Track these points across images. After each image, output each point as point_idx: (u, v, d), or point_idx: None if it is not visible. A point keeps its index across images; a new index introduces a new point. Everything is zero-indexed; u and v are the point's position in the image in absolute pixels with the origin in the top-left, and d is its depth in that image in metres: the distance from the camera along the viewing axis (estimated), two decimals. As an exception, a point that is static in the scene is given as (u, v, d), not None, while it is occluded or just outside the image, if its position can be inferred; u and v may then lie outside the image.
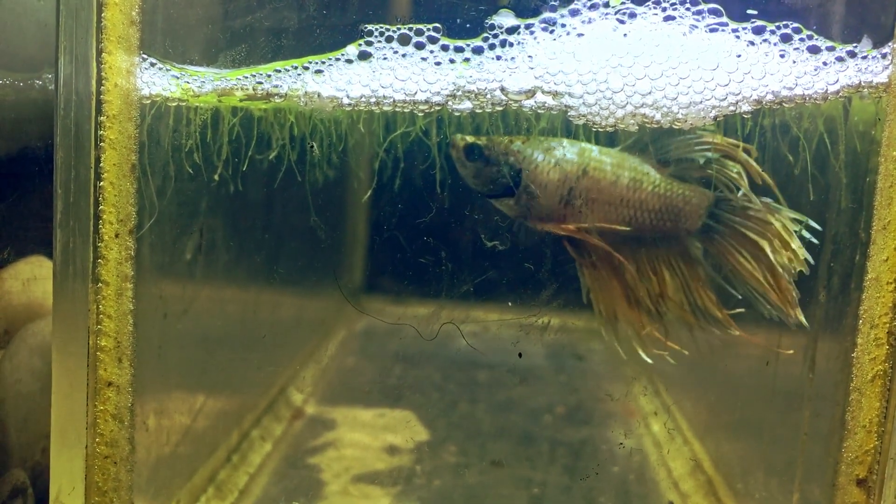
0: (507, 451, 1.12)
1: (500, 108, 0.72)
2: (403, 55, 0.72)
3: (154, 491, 0.85)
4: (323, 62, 0.72)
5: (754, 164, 0.76)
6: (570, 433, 1.17)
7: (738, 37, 0.70)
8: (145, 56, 0.72)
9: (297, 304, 1.25)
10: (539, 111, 0.72)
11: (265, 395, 1.20)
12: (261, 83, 0.73)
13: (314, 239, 0.94)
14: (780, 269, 0.77)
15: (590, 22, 0.70)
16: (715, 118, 0.69)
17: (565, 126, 0.82)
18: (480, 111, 0.73)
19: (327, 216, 0.98)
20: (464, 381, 1.29)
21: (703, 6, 0.70)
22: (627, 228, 0.77)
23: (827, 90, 0.69)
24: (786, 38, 0.70)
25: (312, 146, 0.81)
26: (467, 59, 0.71)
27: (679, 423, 1.12)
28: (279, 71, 0.73)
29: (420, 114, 0.74)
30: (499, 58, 0.71)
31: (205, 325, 1.00)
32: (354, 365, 1.38)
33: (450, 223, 0.84)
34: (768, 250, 0.76)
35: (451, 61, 0.71)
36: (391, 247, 0.92)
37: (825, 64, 0.69)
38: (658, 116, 0.69)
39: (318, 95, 0.72)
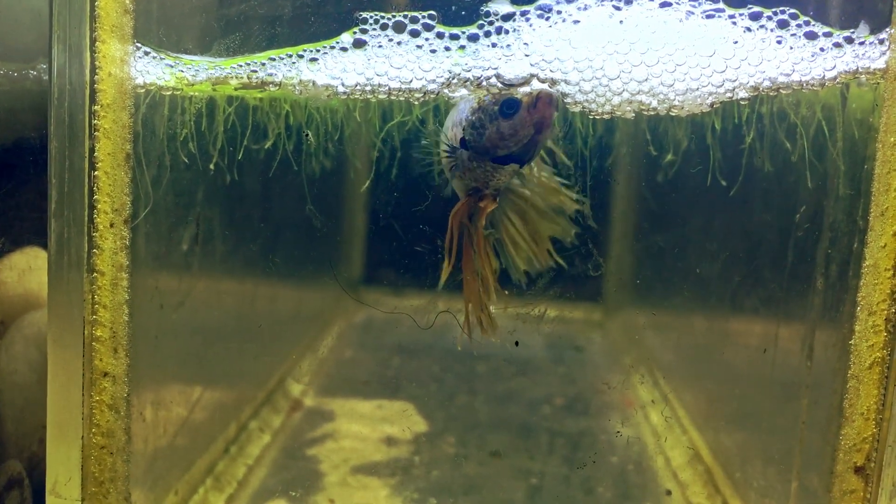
0: (506, 442, 1.12)
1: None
2: (398, 43, 0.71)
3: (152, 482, 0.85)
4: (318, 50, 0.72)
5: None
6: (569, 424, 1.17)
7: (734, 23, 0.69)
8: (139, 45, 0.71)
9: (296, 295, 1.25)
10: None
11: (263, 386, 1.19)
12: (255, 71, 0.72)
13: (313, 230, 0.94)
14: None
15: (585, 8, 0.70)
16: (712, 105, 0.69)
17: (561, 113, 0.82)
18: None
19: (326, 207, 0.97)
20: (462, 373, 1.29)
21: (699, -8, 0.69)
22: None
23: (824, 76, 0.69)
24: (783, 24, 0.69)
25: (307, 134, 0.81)
26: (462, 47, 0.71)
27: (677, 412, 1.12)
28: (274, 59, 0.72)
29: (416, 102, 0.74)
30: (494, 45, 0.70)
31: (202, 317, 1.00)
32: (353, 356, 1.38)
33: (447, 212, 0.83)
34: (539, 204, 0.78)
35: (447, 49, 0.71)
36: (389, 237, 0.92)
37: (822, 50, 0.69)
38: (654, 104, 0.69)
39: (313, 84, 0.72)
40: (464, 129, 0.72)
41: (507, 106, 0.70)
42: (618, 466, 1.06)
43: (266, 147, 0.85)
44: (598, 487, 1.01)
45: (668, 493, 1.00)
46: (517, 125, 0.70)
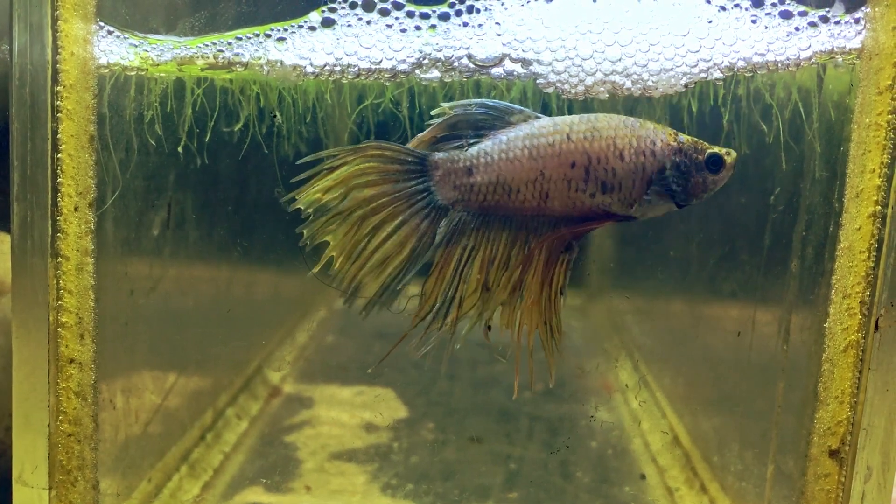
0: (486, 428, 1.12)
1: (469, 77, 0.70)
2: (368, 22, 0.70)
3: (123, 470, 0.84)
4: (285, 29, 0.71)
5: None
6: (549, 409, 1.17)
7: (708, 1, 0.68)
8: (102, 24, 0.70)
9: (275, 281, 1.23)
10: (508, 79, 0.70)
11: (241, 373, 1.18)
12: (222, 51, 0.71)
13: (292, 216, 0.93)
14: None
15: (558, -13, 0.69)
16: (686, 85, 0.68)
17: (537, 95, 0.81)
18: (449, 80, 0.71)
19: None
20: (442, 359, 1.29)
21: (673, -30, 0.68)
22: None
23: (799, 56, 0.68)
24: (757, 3, 0.68)
25: (275, 115, 0.80)
26: (433, 26, 0.70)
27: (657, 397, 1.12)
28: (240, 39, 0.71)
29: (387, 83, 0.72)
30: (465, 24, 0.69)
31: (176, 303, 0.98)
32: (333, 343, 1.37)
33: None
34: None
35: (417, 28, 0.70)
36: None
37: (797, 29, 0.68)
38: (628, 84, 0.68)
39: (281, 64, 0.70)
40: (667, 173, 0.70)
41: (714, 163, 0.70)
42: (597, 451, 1.05)
43: (237, 129, 0.83)
44: (577, 472, 1.01)
45: (643, 476, 1.00)
46: (718, 182, 0.71)
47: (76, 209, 0.70)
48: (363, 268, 0.70)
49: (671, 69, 0.67)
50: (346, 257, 0.70)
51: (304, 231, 0.69)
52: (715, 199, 0.92)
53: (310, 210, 0.69)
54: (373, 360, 1.32)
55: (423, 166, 0.69)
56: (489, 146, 0.68)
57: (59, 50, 0.68)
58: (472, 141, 0.69)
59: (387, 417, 1.13)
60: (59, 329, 0.71)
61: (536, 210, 0.69)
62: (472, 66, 0.69)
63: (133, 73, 0.73)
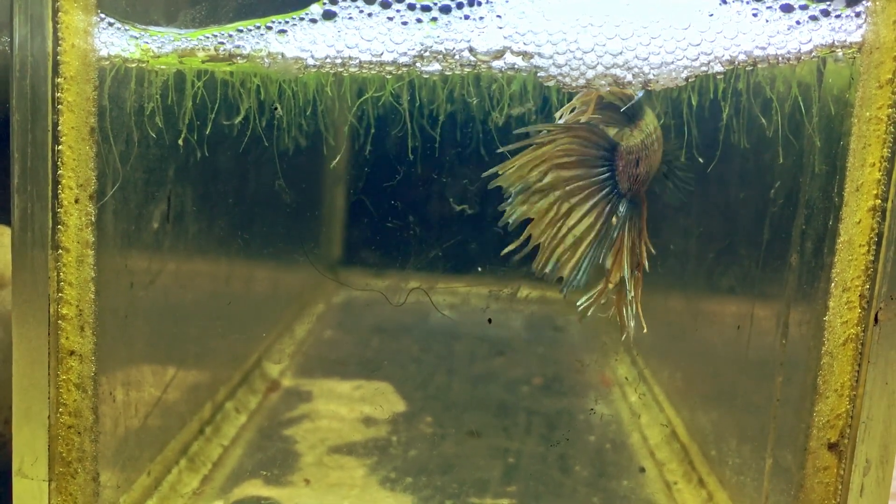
0: (485, 422, 1.12)
1: (470, 70, 0.70)
2: (369, 14, 0.70)
3: (122, 462, 0.84)
4: (286, 22, 0.70)
5: None
6: (547, 403, 1.17)
7: (710, -5, 0.68)
8: (103, 15, 0.70)
9: (275, 275, 1.23)
10: (509, 72, 0.70)
11: (240, 367, 1.18)
12: (223, 43, 0.71)
13: (289, 209, 0.93)
14: None
15: (560, -20, 0.69)
16: (686, 79, 0.68)
17: (538, 88, 0.81)
18: (450, 73, 0.71)
19: (303, 186, 0.96)
20: (441, 353, 1.29)
21: (675, -36, 0.68)
22: None
23: (800, 50, 0.68)
24: (759, -4, 0.68)
25: (276, 108, 0.80)
26: (434, 19, 0.69)
27: (656, 391, 1.12)
28: (241, 31, 0.71)
29: (389, 76, 0.72)
30: (467, 17, 0.69)
31: (176, 296, 0.98)
32: (332, 337, 1.37)
33: (426, 191, 0.82)
34: None
35: (419, 21, 0.70)
36: (367, 216, 0.90)
37: (798, 23, 0.68)
38: (629, 77, 0.68)
39: (282, 56, 0.70)
40: None
41: None
42: (595, 444, 1.06)
43: (237, 122, 0.83)
44: (576, 465, 1.01)
45: (642, 470, 1.00)
46: None
47: (77, 201, 0.70)
48: (560, 246, 0.70)
49: (672, 62, 0.67)
50: (544, 233, 0.70)
51: (507, 209, 0.69)
52: (715, 193, 0.92)
53: (510, 188, 0.69)
54: (371, 354, 1.32)
55: (612, 155, 0.71)
56: (646, 139, 0.70)
57: (60, 41, 0.68)
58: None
59: (386, 411, 1.13)
60: (60, 321, 0.71)
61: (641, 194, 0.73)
62: (472, 58, 0.69)
63: (134, 65, 0.73)
